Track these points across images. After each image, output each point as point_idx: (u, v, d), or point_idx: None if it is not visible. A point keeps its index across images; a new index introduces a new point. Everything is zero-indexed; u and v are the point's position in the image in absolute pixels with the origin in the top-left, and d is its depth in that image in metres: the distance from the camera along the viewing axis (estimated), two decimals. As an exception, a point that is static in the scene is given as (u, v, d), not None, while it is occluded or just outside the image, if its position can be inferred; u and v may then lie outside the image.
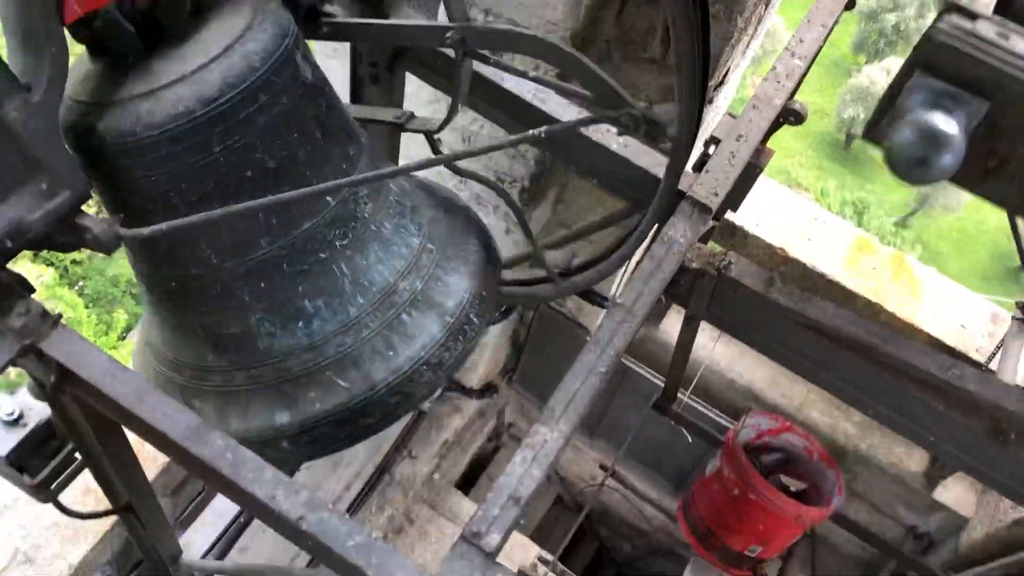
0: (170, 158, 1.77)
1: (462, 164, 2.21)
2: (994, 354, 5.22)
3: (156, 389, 1.85)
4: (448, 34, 2.12)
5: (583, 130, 2.54)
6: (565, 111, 2.56)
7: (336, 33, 2.28)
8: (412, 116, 2.48)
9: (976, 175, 1.38)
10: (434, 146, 2.47)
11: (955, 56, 1.25)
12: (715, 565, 3.51)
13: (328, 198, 1.91)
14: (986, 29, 1.25)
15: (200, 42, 1.82)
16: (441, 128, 2.36)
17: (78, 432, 2.24)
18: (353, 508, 6.32)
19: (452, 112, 2.26)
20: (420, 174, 2.49)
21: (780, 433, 3.50)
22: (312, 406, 1.86)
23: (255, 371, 1.92)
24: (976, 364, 5.35)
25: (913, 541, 6.47)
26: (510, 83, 2.55)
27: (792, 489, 3.40)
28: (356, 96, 2.82)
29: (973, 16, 1.25)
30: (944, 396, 2.28)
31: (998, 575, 5.27)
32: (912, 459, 6.14)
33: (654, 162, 2.56)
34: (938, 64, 1.26)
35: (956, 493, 6.05)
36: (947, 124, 1.23)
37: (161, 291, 2.03)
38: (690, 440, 5.43)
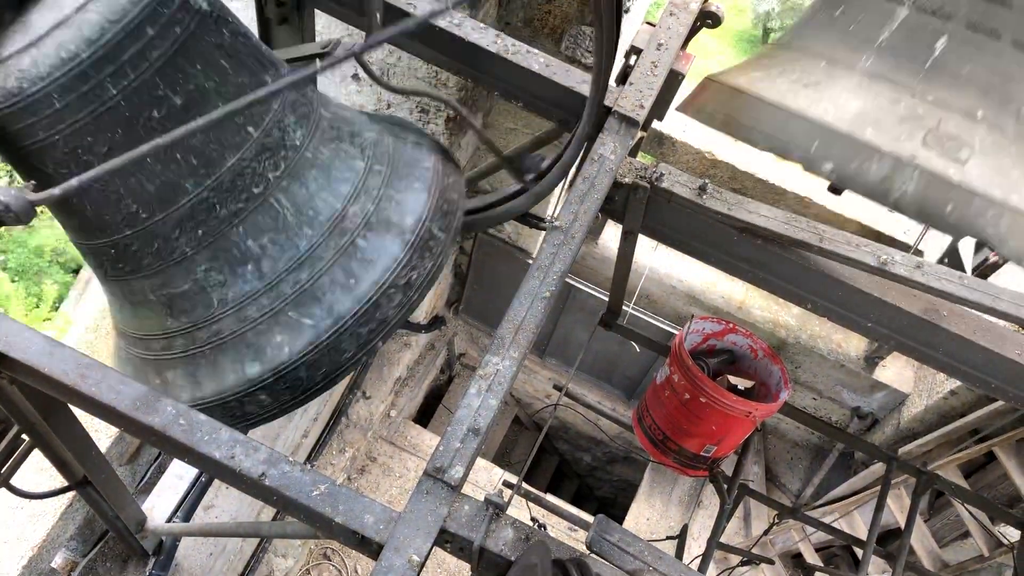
0: (67, 111, 1.66)
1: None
2: (924, 233, 5.38)
3: (97, 362, 1.81)
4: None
5: (504, 54, 2.50)
6: (482, 35, 2.52)
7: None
8: (339, 43, 2.36)
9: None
10: (366, 67, 2.39)
11: None
12: (673, 468, 3.62)
13: (249, 128, 1.82)
14: None
15: None
16: (367, 48, 2.25)
17: (21, 414, 2.19)
18: (314, 454, 6.34)
19: (370, 41, 2.16)
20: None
21: (724, 335, 3.58)
22: (281, 351, 1.77)
23: (215, 326, 1.82)
24: (906, 246, 5.52)
25: (858, 421, 6.75)
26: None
27: (740, 387, 3.49)
28: (265, 39, 2.72)
29: None
30: (878, 283, 2.35)
31: (939, 443, 5.54)
32: (851, 344, 6.36)
33: (577, 80, 2.53)
34: None
35: (895, 371, 6.31)
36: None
37: (105, 263, 1.94)
38: (638, 350, 5.53)
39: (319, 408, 6.04)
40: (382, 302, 1.77)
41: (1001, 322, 2.33)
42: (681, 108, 3.10)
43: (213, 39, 1.81)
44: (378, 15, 2.25)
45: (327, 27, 2.86)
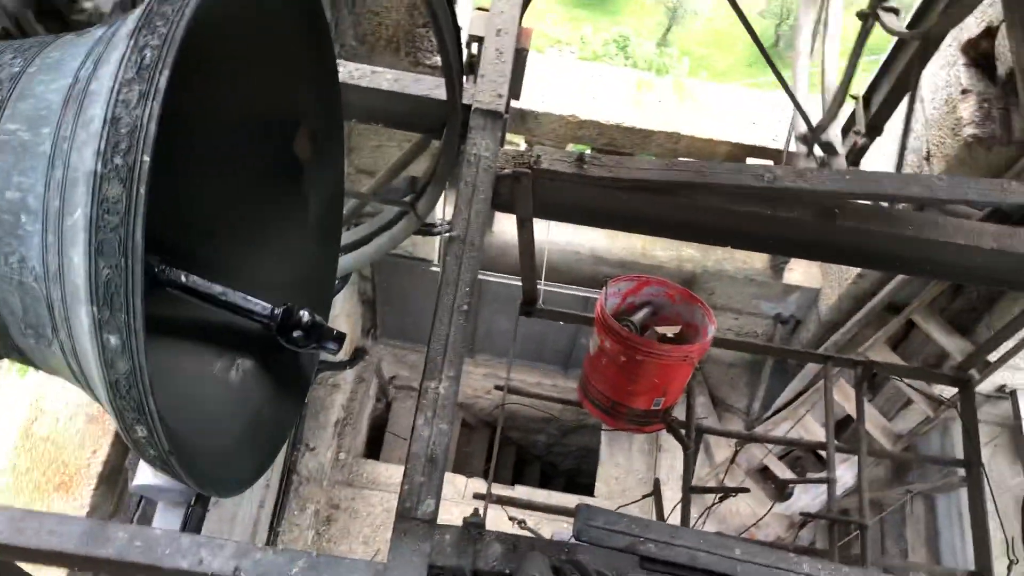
0: None
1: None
2: (790, 137, 5.57)
3: (28, 511, 1.72)
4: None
5: (350, 81, 2.46)
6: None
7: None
8: None
9: None
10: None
11: None
12: (630, 430, 3.67)
13: None
14: None
15: None
16: None
17: (-36, 585, 2.07)
18: (276, 520, 6.19)
19: None
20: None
21: (640, 289, 3.63)
22: (79, 272, 1.40)
23: (56, 312, 1.45)
24: (776, 153, 5.71)
25: (781, 327, 6.97)
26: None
27: (670, 335, 3.55)
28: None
29: None
30: (768, 200, 2.41)
31: (862, 327, 5.76)
32: (755, 258, 6.55)
33: (430, 85, 2.52)
34: None
35: (801, 271, 6.53)
36: None
37: (20, 357, 1.64)
38: (562, 323, 5.57)
39: (268, 474, 5.90)
40: (121, 113, 1.37)
41: (887, 204, 2.43)
42: None
43: None
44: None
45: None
